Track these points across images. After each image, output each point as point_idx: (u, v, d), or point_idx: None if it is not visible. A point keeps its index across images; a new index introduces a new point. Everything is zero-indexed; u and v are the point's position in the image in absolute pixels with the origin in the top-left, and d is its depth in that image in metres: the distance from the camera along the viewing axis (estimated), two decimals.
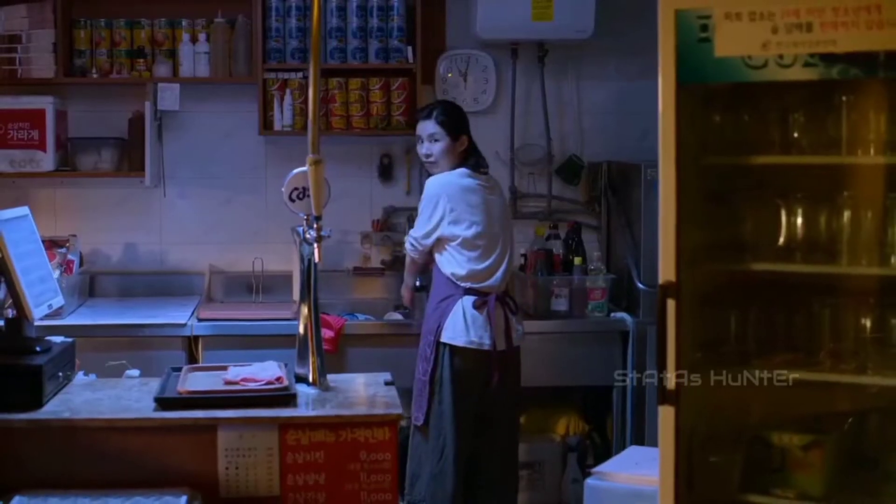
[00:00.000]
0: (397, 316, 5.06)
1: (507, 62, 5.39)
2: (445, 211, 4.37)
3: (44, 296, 3.54)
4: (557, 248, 5.13)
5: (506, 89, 5.42)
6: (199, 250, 5.38)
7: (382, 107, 5.19)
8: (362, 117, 5.21)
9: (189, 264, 5.39)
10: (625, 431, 4.91)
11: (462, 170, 4.45)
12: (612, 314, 4.98)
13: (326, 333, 4.60)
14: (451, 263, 4.40)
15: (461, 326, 4.34)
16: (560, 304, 4.96)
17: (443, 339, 4.35)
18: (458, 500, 4.40)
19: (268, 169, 5.33)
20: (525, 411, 5.20)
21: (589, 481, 3.53)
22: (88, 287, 5.26)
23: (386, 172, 5.41)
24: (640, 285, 4.82)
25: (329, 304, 4.93)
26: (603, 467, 3.61)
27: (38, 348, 3.45)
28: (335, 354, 4.65)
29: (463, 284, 4.38)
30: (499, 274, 4.43)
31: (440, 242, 4.42)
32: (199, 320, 4.79)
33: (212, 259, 5.37)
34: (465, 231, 4.36)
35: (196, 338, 4.73)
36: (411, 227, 4.68)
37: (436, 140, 4.47)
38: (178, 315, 4.84)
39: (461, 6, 5.31)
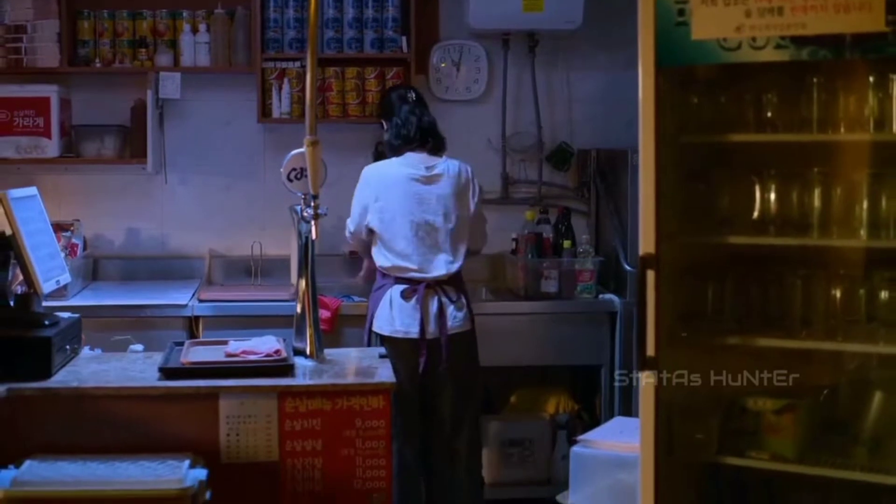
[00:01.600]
0: None
1: (498, 52, 5.54)
2: (370, 201, 4.53)
3: (52, 272, 3.68)
4: (547, 232, 5.27)
5: (497, 79, 5.57)
6: (199, 235, 5.52)
7: (377, 95, 5.32)
8: (358, 105, 5.35)
9: (190, 249, 5.53)
10: (612, 410, 5.04)
11: (390, 160, 4.63)
12: (601, 295, 5.13)
13: (323, 314, 4.73)
14: (378, 255, 4.55)
15: (387, 316, 4.46)
16: (550, 286, 5.10)
17: (374, 329, 4.50)
18: (410, 482, 4.51)
19: (266, 156, 5.47)
20: (515, 391, 5.38)
21: (574, 449, 3.67)
22: (92, 270, 5.40)
23: (380, 159, 5.51)
24: (628, 267, 4.96)
25: (326, 287, 5.06)
26: (588, 435, 3.76)
27: (46, 322, 3.59)
28: (332, 334, 4.79)
29: (393, 274, 4.49)
30: (438, 266, 4.49)
31: (371, 233, 4.57)
32: (200, 301, 4.94)
33: (212, 244, 5.52)
34: (387, 224, 4.50)
35: (197, 318, 4.87)
36: None
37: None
38: (179, 296, 4.98)
39: None
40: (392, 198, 4.51)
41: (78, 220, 5.24)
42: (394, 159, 4.62)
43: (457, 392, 4.52)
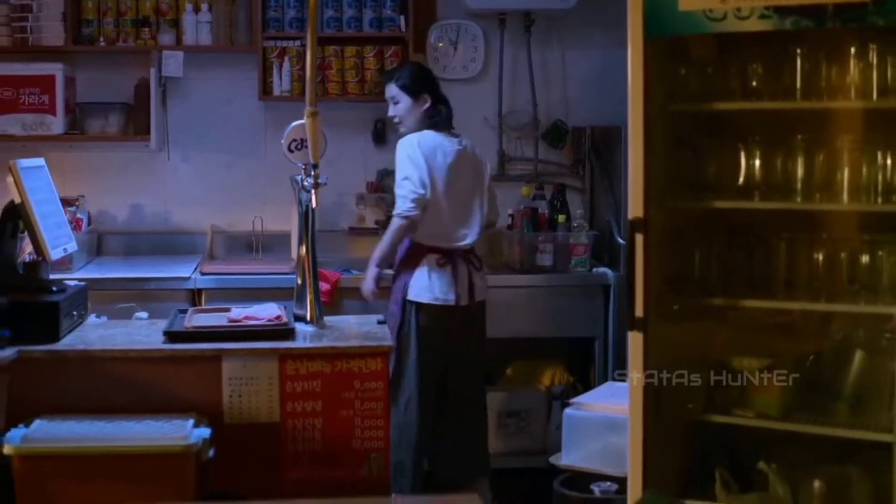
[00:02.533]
0: (389, 272, 5.29)
1: (495, 31, 5.63)
2: (426, 170, 4.53)
3: (59, 240, 3.78)
4: (543, 207, 5.37)
5: (494, 57, 5.66)
6: (201, 211, 5.62)
7: (376, 73, 5.42)
8: (357, 83, 5.45)
9: (192, 224, 5.63)
10: (606, 381, 5.15)
11: (428, 131, 4.62)
12: (595, 269, 5.23)
13: (323, 286, 4.82)
14: (421, 225, 4.56)
15: (426, 284, 4.55)
16: (545, 260, 5.20)
17: (409, 297, 4.56)
18: (422, 449, 4.61)
19: (267, 133, 5.55)
20: (512, 363, 5.48)
21: (567, 411, 3.79)
22: (96, 246, 5.51)
23: (380, 136, 5.66)
24: (622, 241, 5.06)
25: (326, 262, 5.13)
26: (580, 398, 3.87)
27: (54, 288, 3.70)
28: (331, 306, 4.89)
29: (427, 244, 4.58)
30: (467, 235, 4.63)
31: None
32: (202, 274, 5.05)
33: (213, 219, 5.62)
34: (435, 193, 4.56)
35: (199, 290, 4.97)
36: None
37: (396, 102, 4.70)
38: (182, 270, 5.08)
39: None
40: (440, 168, 4.58)
41: (83, 196, 5.34)
42: (435, 132, 4.65)
43: (474, 360, 4.69)
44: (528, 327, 5.16)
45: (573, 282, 5.21)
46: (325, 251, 5.16)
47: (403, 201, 4.54)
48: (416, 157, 4.54)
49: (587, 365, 5.38)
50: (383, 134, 5.65)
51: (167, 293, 4.93)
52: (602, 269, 5.23)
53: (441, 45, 5.63)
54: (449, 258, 4.57)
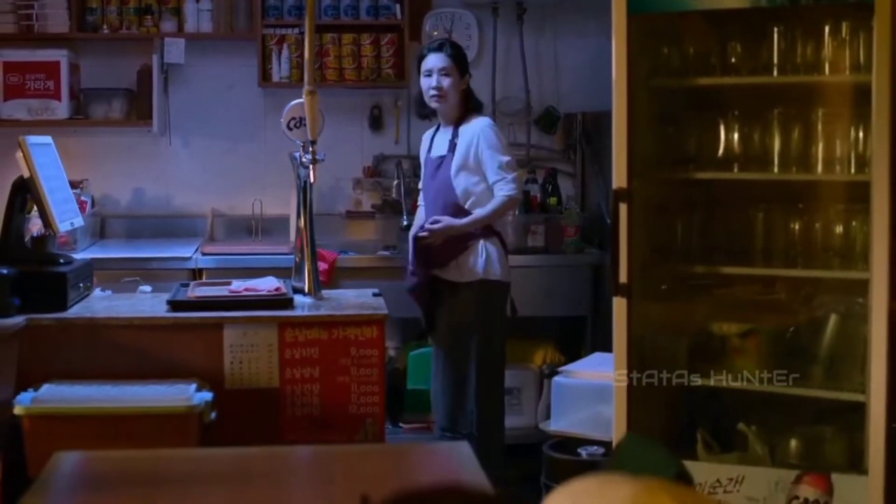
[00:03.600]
0: (386, 253, 5.44)
1: (488, 20, 5.77)
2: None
3: (66, 214, 3.92)
4: (535, 191, 5.52)
5: (487, 45, 5.80)
6: (202, 195, 5.75)
7: (373, 60, 5.57)
8: (354, 70, 5.59)
9: (193, 208, 5.76)
10: None
11: (485, 118, 4.53)
12: (585, 250, 5.38)
13: (321, 266, 4.96)
14: (486, 203, 4.39)
15: (496, 262, 4.39)
16: (537, 241, 5.34)
17: (487, 277, 4.35)
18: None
19: (267, 119, 5.68)
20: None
21: (556, 379, 3.93)
22: (100, 229, 5.64)
23: (376, 122, 5.80)
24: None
25: (323, 244, 5.27)
26: (568, 367, 4.01)
27: (61, 261, 3.85)
28: (328, 285, 5.02)
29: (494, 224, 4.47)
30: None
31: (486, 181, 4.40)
32: (203, 254, 5.18)
33: (214, 203, 5.75)
34: None
35: (200, 270, 5.10)
36: (401, 173, 5.25)
37: (446, 74, 4.42)
38: (183, 250, 5.21)
39: None
40: None
41: (86, 180, 5.47)
42: (485, 118, 4.55)
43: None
44: (519, 307, 5.27)
45: (564, 262, 5.34)
46: (323, 234, 5.29)
47: (517, 181, 4.43)
48: (503, 141, 4.48)
49: (578, 343, 5.51)
50: (380, 120, 5.79)
51: (169, 273, 5.04)
52: (592, 250, 5.36)
53: (436, 33, 5.75)
54: (502, 238, 4.52)
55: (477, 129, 4.40)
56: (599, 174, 5.50)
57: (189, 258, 5.12)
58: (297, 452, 3.11)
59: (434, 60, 4.45)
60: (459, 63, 4.49)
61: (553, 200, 5.40)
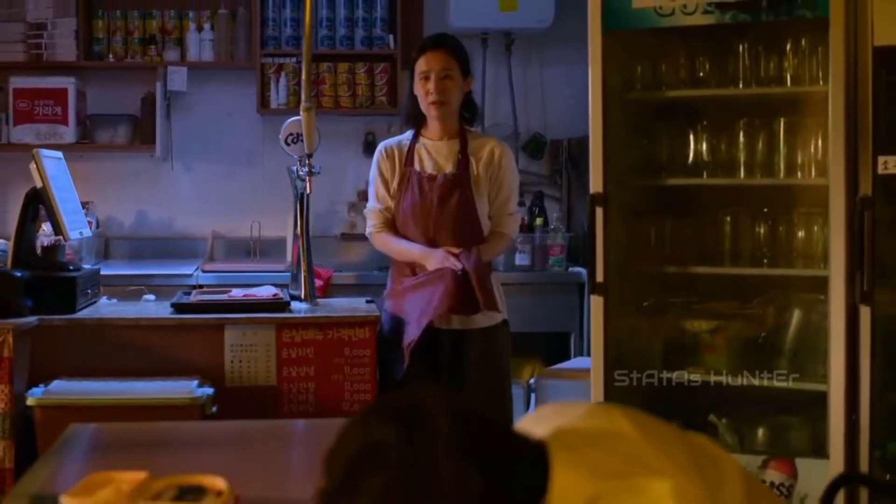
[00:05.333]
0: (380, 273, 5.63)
1: (478, 50, 6.01)
2: None
3: (76, 224, 4.14)
4: (523, 213, 5.74)
5: (477, 74, 5.99)
6: (202, 217, 5.97)
7: (367, 89, 5.82)
8: (349, 97, 5.84)
9: (193, 230, 5.98)
10: None
11: (494, 137, 4.07)
12: (570, 268, 5.59)
13: (317, 282, 5.17)
14: None
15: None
16: (523, 259, 5.56)
17: (506, 316, 3.97)
18: None
19: (265, 144, 5.90)
20: None
21: (537, 378, 4.13)
22: (104, 249, 5.86)
23: (370, 148, 6.00)
24: None
25: (319, 265, 5.49)
26: (550, 369, 4.21)
27: (70, 267, 4.07)
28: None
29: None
30: None
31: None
32: (204, 272, 5.40)
33: (214, 225, 5.97)
34: None
35: (201, 286, 5.28)
36: None
37: (449, 76, 3.76)
38: (184, 269, 5.43)
39: None
40: None
41: (91, 202, 5.69)
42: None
43: None
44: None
45: (550, 280, 5.55)
46: (319, 255, 5.43)
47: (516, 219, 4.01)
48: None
49: (564, 358, 5.69)
50: (374, 145, 5.94)
51: (170, 288, 5.21)
52: (577, 269, 5.58)
53: None
54: None
55: (497, 150, 3.83)
56: (584, 197, 5.71)
57: (190, 275, 5.33)
58: (294, 424, 3.31)
59: (432, 59, 3.76)
60: (462, 61, 3.82)
61: (540, 221, 5.62)
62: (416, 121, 3.90)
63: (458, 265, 3.64)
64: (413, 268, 3.84)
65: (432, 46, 3.81)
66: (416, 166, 3.85)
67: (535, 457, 1.51)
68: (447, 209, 3.78)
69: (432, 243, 3.79)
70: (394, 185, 3.89)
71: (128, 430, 2.82)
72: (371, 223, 3.99)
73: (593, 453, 1.53)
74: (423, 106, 3.82)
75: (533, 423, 1.66)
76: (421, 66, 3.80)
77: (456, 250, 3.71)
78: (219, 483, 2.00)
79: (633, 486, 1.48)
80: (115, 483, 1.98)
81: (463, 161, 3.80)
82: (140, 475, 2.02)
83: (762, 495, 1.68)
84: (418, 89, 3.82)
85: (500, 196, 3.84)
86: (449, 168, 3.81)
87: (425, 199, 3.80)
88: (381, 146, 4.01)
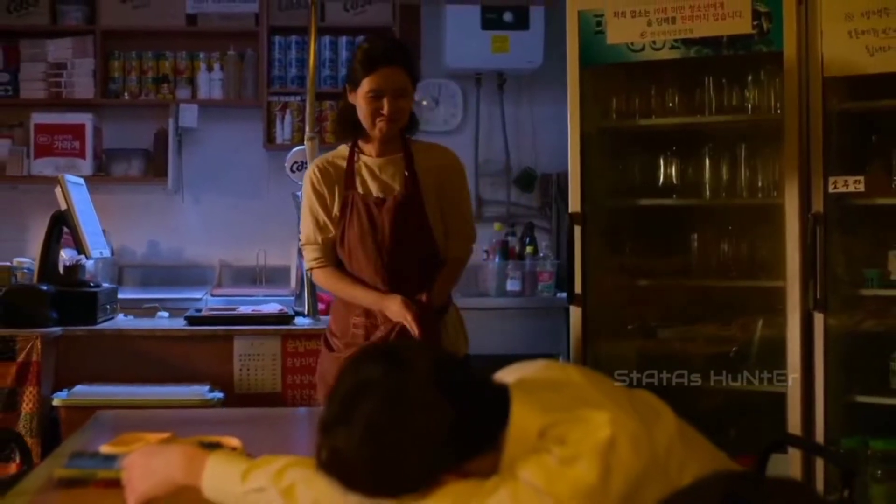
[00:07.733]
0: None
1: (472, 89, 6.37)
2: None
3: (97, 245, 4.47)
4: (514, 243, 6.06)
5: (471, 112, 6.40)
6: (210, 247, 6.27)
7: None
8: None
9: (202, 258, 6.28)
10: None
11: (438, 143, 3.50)
12: (558, 294, 5.88)
13: (319, 306, 5.47)
14: None
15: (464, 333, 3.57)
16: (514, 285, 5.87)
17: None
18: None
19: (270, 178, 6.19)
20: None
21: None
22: (118, 277, 6.17)
23: None
24: None
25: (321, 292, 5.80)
26: None
27: (91, 284, 4.40)
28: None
29: None
30: None
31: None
32: (212, 296, 5.71)
33: (222, 254, 6.27)
34: None
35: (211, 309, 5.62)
36: None
37: (404, 95, 3.22)
38: (194, 294, 5.74)
39: (433, 41, 6.28)
40: None
41: (106, 231, 6.00)
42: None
43: None
44: (498, 345, 5.72)
45: (539, 304, 5.82)
46: None
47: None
48: None
49: None
50: None
51: (181, 311, 5.51)
52: (564, 294, 5.85)
53: (424, 102, 6.35)
54: None
55: (445, 161, 3.38)
56: None
57: (200, 299, 5.63)
58: (300, 412, 3.62)
59: (388, 79, 3.17)
60: (415, 76, 3.28)
61: (529, 249, 5.94)
62: (355, 134, 3.33)
63: (416, 330, 3.11)
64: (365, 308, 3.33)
65: (386, 63, 3.17)
66: (360, 188, 3.28)
67: (498, 396, 1.83)
68: (401, 237, 3.25)
69: (385, 275, 3.24)
70: (335, 210, 3.31)
71: (148, 415, 3.12)
72: (311, 257, 3.39)
73: (546, 394, 1.86)
74: (366, 121, 3.22)
75: (501, 375, 1.99)
76: (371, 83, 3.17)
77: (420, 296, 3.20)
78: (234, 441, 2.32)
79: (577, 416, 1.79)
80: (145, 439, 2.30)
81: (411, 178, 3.27)
82: (165, 434, 2.34)
83: (695, 440, 1.99)
84: (363, 105, 3.20)
85: (456, 216, 3.35)
86: (397, 188, 3.26)
87: (375, 226, 3.24)
88: (311, 166, 3.40)
